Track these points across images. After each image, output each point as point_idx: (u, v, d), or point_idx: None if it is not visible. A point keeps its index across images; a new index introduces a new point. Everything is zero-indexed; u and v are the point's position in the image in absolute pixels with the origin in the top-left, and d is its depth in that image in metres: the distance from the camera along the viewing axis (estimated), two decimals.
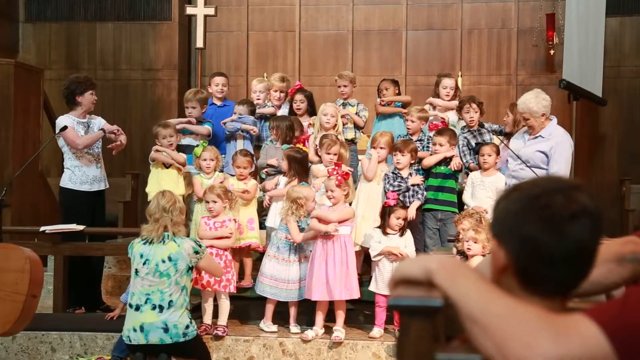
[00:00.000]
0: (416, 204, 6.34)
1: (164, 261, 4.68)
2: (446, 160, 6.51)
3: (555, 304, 1.47)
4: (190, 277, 4.83)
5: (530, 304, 1.38)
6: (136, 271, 4.74)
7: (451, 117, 7.37)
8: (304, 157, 6.52)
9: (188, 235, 5.28)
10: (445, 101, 7.49)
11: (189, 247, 4.74)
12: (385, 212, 6.03)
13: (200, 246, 4.82)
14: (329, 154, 6.39)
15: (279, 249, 5.96)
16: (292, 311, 5.99)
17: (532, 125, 6.04)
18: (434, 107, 7.52)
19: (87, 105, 6.63)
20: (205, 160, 6.54)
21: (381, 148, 6.49)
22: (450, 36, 9.89)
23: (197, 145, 6.80)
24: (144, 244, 4.76)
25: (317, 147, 6.59)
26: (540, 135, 6.01)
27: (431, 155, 6.57)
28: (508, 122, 7.08)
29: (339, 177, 5.89)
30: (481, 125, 7.00)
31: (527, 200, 1.47)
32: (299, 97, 7.41)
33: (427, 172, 6.59)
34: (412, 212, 6.25)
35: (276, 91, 7.65)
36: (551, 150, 5.91)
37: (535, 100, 5.98)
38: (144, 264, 4.71)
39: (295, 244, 5.93)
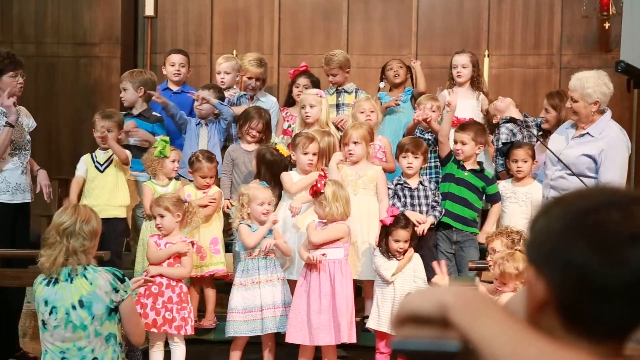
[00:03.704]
0: (430, 220, 6.36)
1: (74, 307, 4.33)
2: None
3: (607, 350, 1.47)
4: (116, 320, 4.40)
5: (576, 350, 1.39)
6: (43, 323, 4.42)
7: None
8: (275, 162, 6.52)
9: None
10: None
11: (104, 283, 4.31)
12: (382, 233, 6.04)
13: (122, 281, 4.38)
14: (306, 154, 6.39)
15: (243, 272, 5.96)
16: (267, 358, 5.99)
17: (577, 112, 5.96)
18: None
19: (9, 92, 6.33)
20: (173, 161, 6.58)
21: (354, 143, 6.43)
22: (474, 4, 9.93)
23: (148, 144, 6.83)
24: (47, 284, 4.41)
25: (290, 150, 6.57)
26: (588, 133, 5.97)
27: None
28: (549, 119, 7.10)
29: (314, 186, 5.85)
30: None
31: (573, 217, 1.48)
32: (303, 81, 7.44)
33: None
34: (423, 227, 6.27)
35: (250, 78, 7.59)
36: (601, 154, 5.86)
37: (594, 81, 5.89)
38: (50, 313, 4.38)
39: (262, 252, 5.90)
